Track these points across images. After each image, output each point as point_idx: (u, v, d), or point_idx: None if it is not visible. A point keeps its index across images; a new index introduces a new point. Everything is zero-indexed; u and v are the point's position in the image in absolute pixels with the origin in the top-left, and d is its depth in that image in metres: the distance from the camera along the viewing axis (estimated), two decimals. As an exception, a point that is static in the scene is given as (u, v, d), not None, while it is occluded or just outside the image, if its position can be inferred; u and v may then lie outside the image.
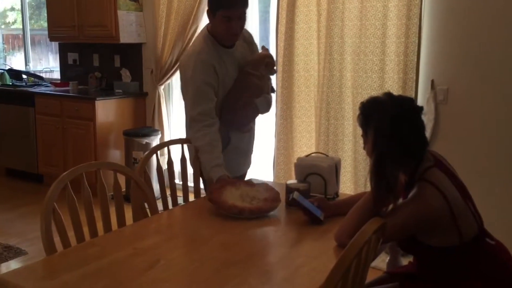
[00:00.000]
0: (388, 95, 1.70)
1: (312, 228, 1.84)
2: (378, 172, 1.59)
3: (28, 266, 1.85)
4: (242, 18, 2.26)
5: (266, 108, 2.52)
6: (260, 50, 2.57)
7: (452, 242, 1.61)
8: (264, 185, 2.07)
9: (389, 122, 1.61)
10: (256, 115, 2.52)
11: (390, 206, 1.63)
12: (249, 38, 2.52)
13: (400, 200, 1.67)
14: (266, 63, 2.41)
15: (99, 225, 1.93)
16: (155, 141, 4.47)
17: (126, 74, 4.94)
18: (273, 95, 2.70)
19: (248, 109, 2.42)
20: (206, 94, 2.28)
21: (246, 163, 2.65)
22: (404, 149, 1.62)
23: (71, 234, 1.79)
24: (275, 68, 2.48)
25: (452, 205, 1.58)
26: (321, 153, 2.57)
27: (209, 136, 2.27)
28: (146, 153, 2.40)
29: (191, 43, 2.53)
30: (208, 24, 2.36)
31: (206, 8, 2.30)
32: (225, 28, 2.24)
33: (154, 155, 2.45)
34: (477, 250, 1.63)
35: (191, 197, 2.47)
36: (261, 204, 1.93)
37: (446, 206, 1.57)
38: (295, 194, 1.89)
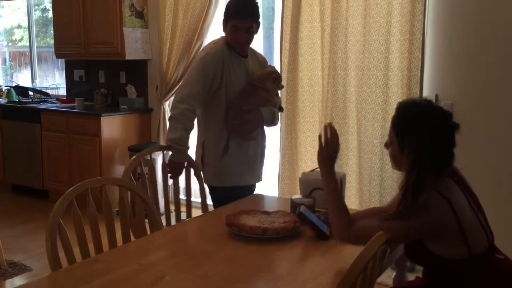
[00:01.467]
0: (430, 103, 1.70)
1: (318, 244, 1.84)
2: (414, 177, 1.58)
3: (33, 282, 1.85)
4: (249, 31, 2.47)
5: (271, 120, 2.61)
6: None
7: (461, 255, 1.60)
8: (280, 212, 2.03)
9: (433, 132, 1.61)
10: (261, 123, 2.58)
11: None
12: (263, 61, 2.70)
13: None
14: (273, 78, 2.52)
15: (104, 241, 1.93)
16: (160, 157, 4.48)
17: (131, 90, 4.97)
18: (280, 114, 2.78)
19: (253, 114, 2.50)
20: (205, 78, 2.44)
21: (252, 174, 2.64)
22: (437, 160, 1.61)
23: (76, 250, 1.79)
24: (282, 83, 2.60)
25: (459, 217, 1.57)
26: (326, 168, 2.57)
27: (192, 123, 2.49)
28: (132, 158, 2.41)
29: (210, 41, 2.71)
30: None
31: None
32: (233, 38, 2.47)
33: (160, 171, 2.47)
34: (486, 265, 1.61)
35: (195, 213, 2.47)
36: (283, 225, 1.88)
37: (453, 218, 1.57)
38: (302, 208, 1.88)
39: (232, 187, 2.55)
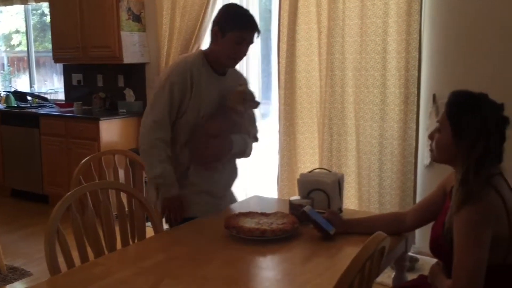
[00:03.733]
0: (484, 96, 1.66)
1: (317, 244, 1.84)
2: (480, 167, 1.56)
3: (32, 287, 1.85)
4: (249, 44, 2.20)
5: (242, 150, 2.29)
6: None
7: (495, 259, 1.54)
8: (279, 213, 2.02)
9: (496, 122, 1.60)
10: (229, 151, 2.25)
11: None
12: (239, 80, 2.36)
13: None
14: (242, 99, 2.21)
15: (103, 245, 1.93)
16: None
17: (129, 94, 4.98)
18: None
19: (220, 140, 2.20)
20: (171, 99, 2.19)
21: (212, 205, 2.27)
22: (497, 149, 1.61)
23: (75, 254, 1.80)
24: (256, 101, 2.26)
25: (511, 218, 1.53)
26: (324, 168, 2.57)
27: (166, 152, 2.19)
28: (84, 160, 2.52)
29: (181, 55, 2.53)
30: (206, 49, 2.28)
31: (209, 26, 2.31)
32: (232, 51, 2.17)
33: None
34: None
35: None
36: (282, 226, 1.87)
37: (505, 218, 1.53)
38: (307, 208, 1.89)
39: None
